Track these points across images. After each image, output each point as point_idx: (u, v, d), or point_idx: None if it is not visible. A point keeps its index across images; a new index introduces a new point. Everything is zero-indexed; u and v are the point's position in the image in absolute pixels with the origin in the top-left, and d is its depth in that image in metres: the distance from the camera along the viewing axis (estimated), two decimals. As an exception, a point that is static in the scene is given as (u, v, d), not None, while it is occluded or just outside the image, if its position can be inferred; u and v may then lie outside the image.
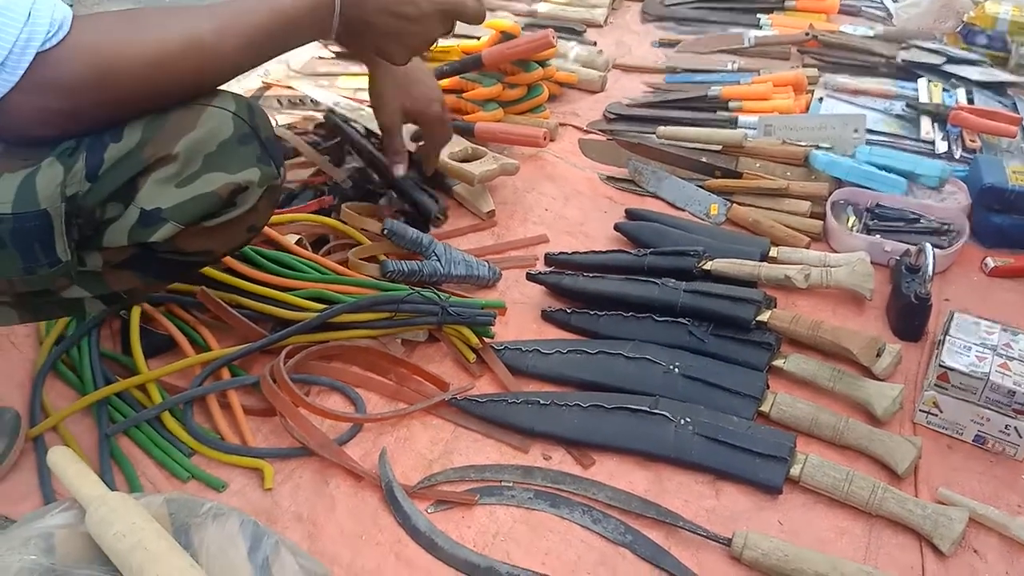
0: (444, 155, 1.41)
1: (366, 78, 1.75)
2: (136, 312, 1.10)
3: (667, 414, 1.00)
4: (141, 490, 0.92)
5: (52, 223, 0.77)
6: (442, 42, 1.85)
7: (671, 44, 2.12)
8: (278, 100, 1.64)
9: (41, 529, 0.73)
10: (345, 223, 1.26)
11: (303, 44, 0.88)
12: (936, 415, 1.01)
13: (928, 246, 1.17)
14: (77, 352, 1.08)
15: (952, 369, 0.99)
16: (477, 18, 1.02)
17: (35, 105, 0.73)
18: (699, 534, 0.89)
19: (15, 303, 0.87)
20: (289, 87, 1.73)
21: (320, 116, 1.54)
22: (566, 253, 1.29)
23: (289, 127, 1.50)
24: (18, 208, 0.75)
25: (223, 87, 0.85)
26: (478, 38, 1.76)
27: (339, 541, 0.89)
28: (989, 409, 0.97)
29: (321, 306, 1.10)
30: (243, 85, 1.72)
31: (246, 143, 0.82)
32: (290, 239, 1.21)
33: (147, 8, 0.79)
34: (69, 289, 0.86)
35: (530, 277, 1.24)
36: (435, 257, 1.20)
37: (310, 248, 1.23)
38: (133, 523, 0.70)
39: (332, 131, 1.42)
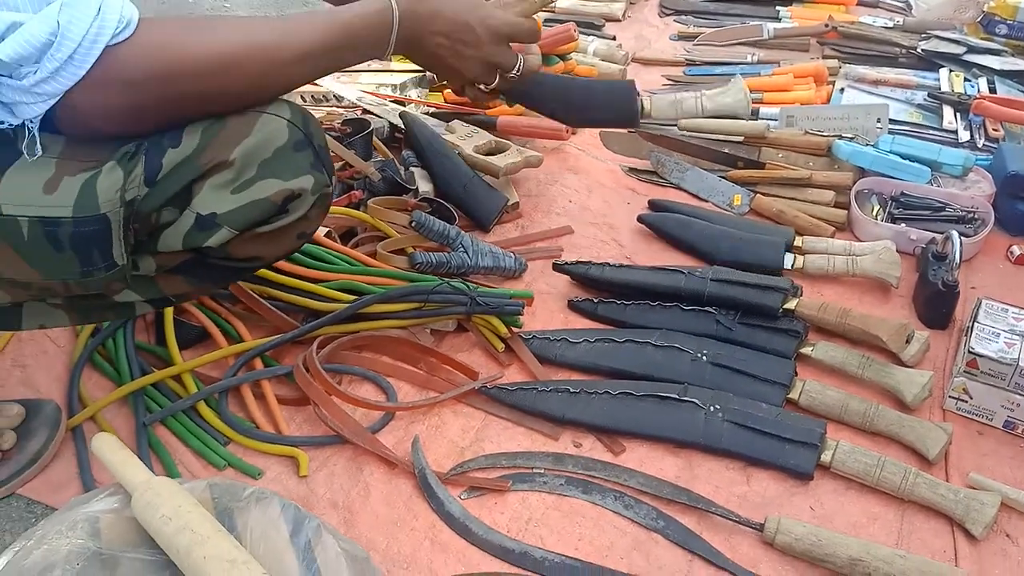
0: (469, 149, 1.43)
1: (387, 74, 1.78)
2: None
3: (696, 401, 1.01)
4: (179, 477, 0.94)
5: (111, 227, 0.77)
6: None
7: (690, 37, 2.12)
8: (301, 97, 1.65)
9: (87, 513, 0.75)
10: (373, 216, 1.28)
11: (361, 61, 0.88)
12: (966, 401, 1.01)
13: (955, 233, 1.17)
14: (113, 344, 1.10)
15: (982, 355, 0.99)
16: (533, 36, 0.99)
17: (100, 100, 0.73)
18: (731, 519, 0.89)
19: (67, 306, 0.88)
20: (312, 83, 1.74)
21: (344, 112, 1.56)
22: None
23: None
24: (78, 212, 0.76)
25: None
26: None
27: (375, 527, 0.91)
28: (1019, 395, 0.97)
29: (352, 297, 1.12)
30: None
31: (300, 150, 0.83)
32: (320, 232, 1.22)
33: (212, 15, 0.79)
34: (122, 293, 0.87)
35: (556, 267, 1.25)
36: (462, 249, 1.21)
37: (339, 241, 1.25)
38: (179, 506, 0.72)
39: (358, 125, 1.43)
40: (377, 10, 0.86)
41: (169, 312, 1.11)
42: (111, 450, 0.80)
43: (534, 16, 0.99)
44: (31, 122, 0.73)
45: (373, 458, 0.98)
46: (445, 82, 1.02)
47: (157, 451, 0.98)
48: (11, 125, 0.73)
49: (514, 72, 0.98)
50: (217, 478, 0.84)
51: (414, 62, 0.97)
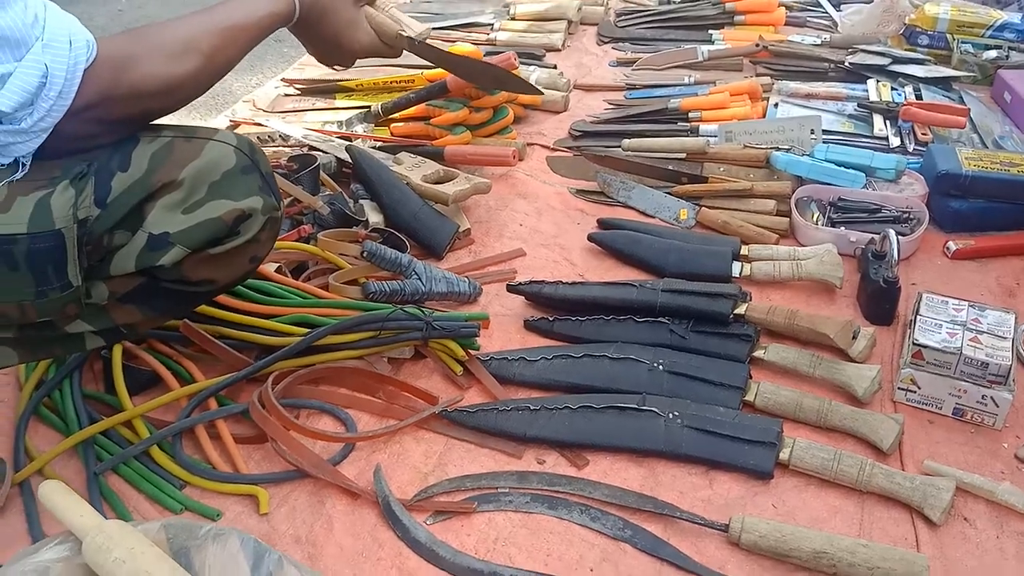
0: (417, 178, 1.44)
1: (332, 112, 1.80)
2: (118, 350, 1.09)
3: (656, 409, 1.02)
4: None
5: (65, 245, 0.79)
6: (403, 72, 1.89)
7: (629, 63, 2.17)
8: (247, 137, 1.65)
9: (37, 563, 0.72)
10: (323, 249, 1.27)
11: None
12: (915, 392, 1.04)
13: (892, 232, 1.21)
14: (59, 395, 1.07)
15: (926, 346, 1.02)
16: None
17: (85, 119, 0.78)
18: (696, 523, 0.90)
19: (16, 340, 0.87)
20: (257, 123, 1.74)
21: (290, 150, 1.56)
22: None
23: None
24: (33, 228, 0.77)
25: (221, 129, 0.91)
26: (440, 66, 1.79)
27: (340, 560, 0.89)
28: (965, 381, 1.00)
29: (305, 330, 1.11)
30: (210, 125, 1.73)
31: (248, 173, 0.86)
32: (269, 268, 1.21)
33: (144, 26, 0.86)
34: (73, 322, 0.87)
35: (510, 288, 1.25)
36: (415, 276, 1.21)
37: (291, 276, 1.24)
38: (132, 548, 0.70)
39: (304, 161, 1.43)
40: (285, 15, 0.96)
41: (118, 358, 1.08)
42: (59, 496, 0.78)
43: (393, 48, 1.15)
44: (24, 157, 0.78)
45: (335, 490, 0.96)
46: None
47: (110, 500, 0.95)
48: (2, 166, 0.78)
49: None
50: (173, 518, 0.81)
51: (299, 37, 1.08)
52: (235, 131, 1.71)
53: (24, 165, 0.79)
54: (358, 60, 1.15)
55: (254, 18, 0.90)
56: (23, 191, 0.78)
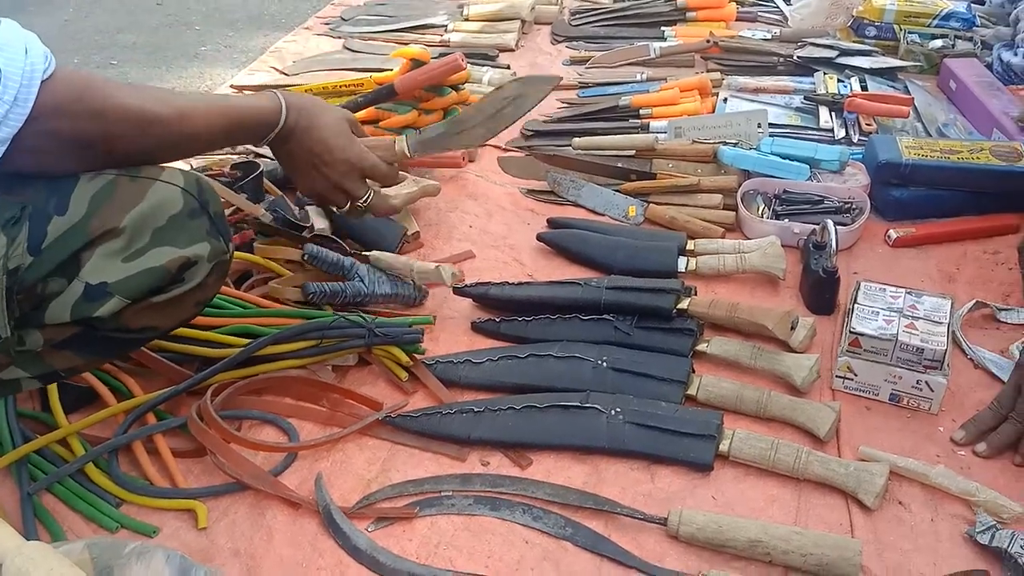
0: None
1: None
2: None
3: (598, 407, 1.02)
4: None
5: None
6: (353, 75, 1.88)
7: (582, 61, 2.18)
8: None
9: (-45, 589, 0.71)
10: (263, 256, 1.26)
11: (241, 144, 1.02)
12: (852, 379, 1.05)
13: (830, 223, 1.22)
14: (-8, 415, 1.05)
15: (862, 334, 1.03)
16: (389, 180, 1.13)
17: (45, 131, 0.74)
18: (636, 517, 0.90)
19: None
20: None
21: (237, 158, 1.54)
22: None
23: (203, 170, 1.49)
24: None
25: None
26: (390, 69, 1.78)
27: (279, 571, 0.88)
28: (901, 368, 1.02)
29: (247, 341, 1.10)
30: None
31: (195, 217, 0.83)
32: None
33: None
34: (7, 370, 0.83)
35: (457, 291, 1.25)
36: (358, 278, 1.20)
37: (233, 286, 1.22)
38: (51, 570, 0.68)
39: (248, 168, 1.42)
40: (271, 110, 0.96)
41: None
42: (-21, 519, 0.76)
43: (394, 165, 1.13)
44: None
45: (276, 501, 0.95)
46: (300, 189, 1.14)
47: (44, 520, 0.93)
48: None
49: (361, 202, 1.10)
50: (98, 537, 0.80)
51: (277, 159, 1.06)
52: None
53: None
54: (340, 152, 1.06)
55: (237, 104, 0.91)
56: None
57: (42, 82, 0.73)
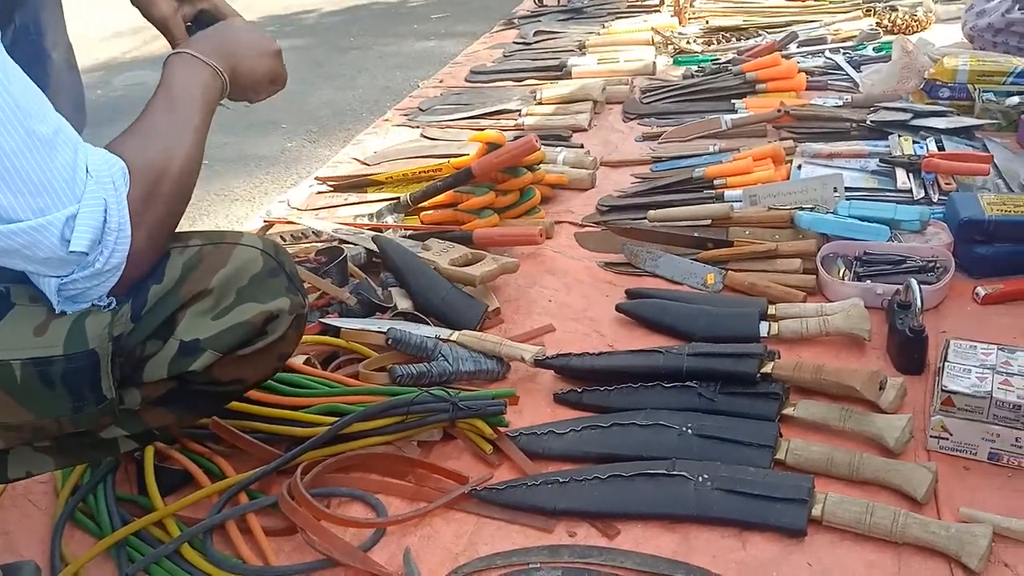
0: (445, 263, 1.49)
1: (363, 205, 1.88)
2: (150, 452, 1.12)
3: (685, 474, 1.02)
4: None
5: (99, 362, 0.83)
6: (431, 162, 1.98)
7: (654, 137, 2.23)
8: (281, 236, 1.73)
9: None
10: (348, 340, 1.31)
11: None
12: (947, 439, 1.02)
13: (913, 281, 1.21)
14: (93, 499, 1.11)
15: (955, 392, 1.00)
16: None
17: (143, 236, 0.81)
18: (729, 585, 0.89)
19: (53, 448, 0.92)
20: (290, 222, 1.84)
21: (321, 245, 1.63)
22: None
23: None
24: (69, 350, 0.81)
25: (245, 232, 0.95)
26: (467, 154, 1.88)
27: (373, 642, 0.90)
28: (998, 425, 0.98)
29: (333, 420, 1.13)
30: (246, 226, 1.82)
31: (275, 276, 0.91)
32: (298, 360, 1.26)
33: (135, 123, 0.87)
34: (109, 429, 0.91)
35: (538, 363, 1.28)
36: (442, 358, 1.25)
37: (319, 367, 1.28)
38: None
39: (333, 254, 1.51)
40: (212, 74, 0.94)
41: (149, 459, 1.11)
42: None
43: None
44: (99, 300, 0.82)
45: (366, 576, 0.97)
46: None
47: (142, 601, 0.97)
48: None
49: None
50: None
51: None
52: (267, 230, 1.80)
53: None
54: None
55: (198, 94, 0.91)
56: (56, 316, 0.82)
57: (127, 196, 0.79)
